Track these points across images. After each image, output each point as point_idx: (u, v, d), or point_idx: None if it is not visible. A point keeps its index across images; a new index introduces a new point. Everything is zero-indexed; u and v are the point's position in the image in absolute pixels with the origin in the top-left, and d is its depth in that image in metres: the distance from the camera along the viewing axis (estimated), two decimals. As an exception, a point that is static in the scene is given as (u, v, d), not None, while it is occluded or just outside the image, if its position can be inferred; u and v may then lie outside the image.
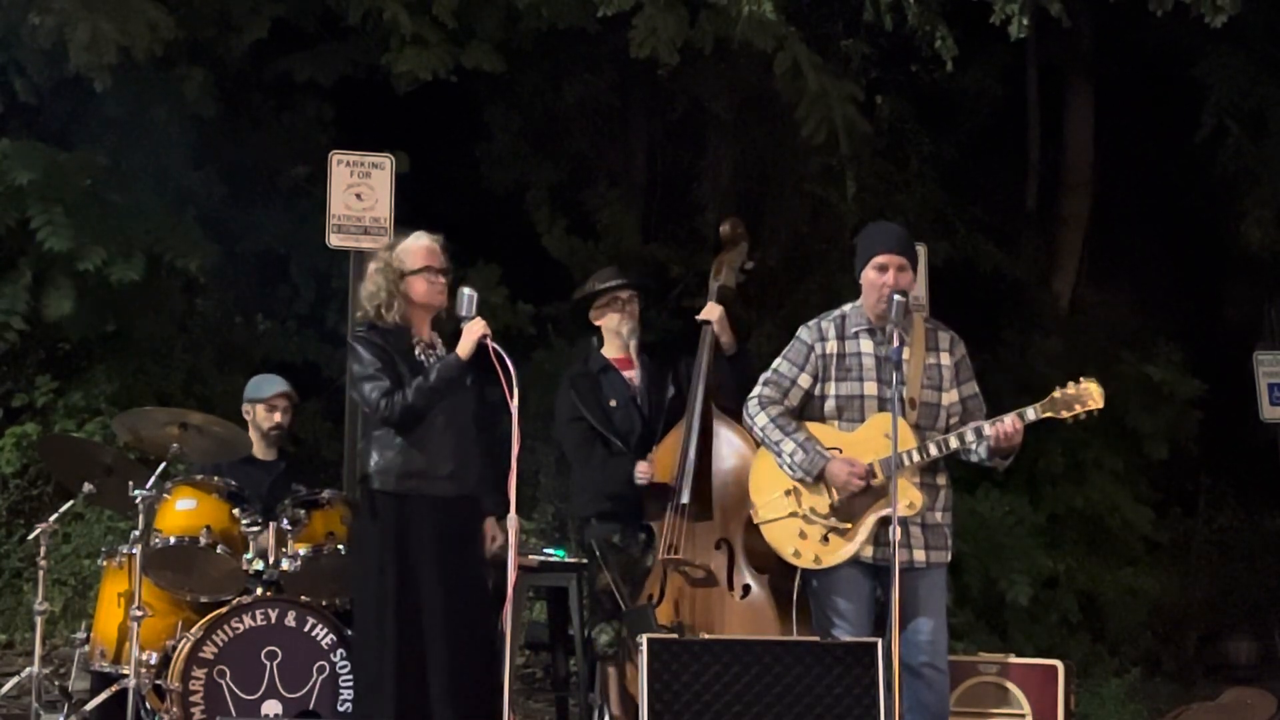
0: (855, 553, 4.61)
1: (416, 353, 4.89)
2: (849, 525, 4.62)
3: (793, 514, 4.70)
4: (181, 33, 7.89)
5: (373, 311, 4.93)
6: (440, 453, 4.81)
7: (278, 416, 5.98)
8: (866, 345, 4.75)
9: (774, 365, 4.86)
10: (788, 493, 4.72)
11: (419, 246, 4.96)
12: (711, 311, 5.38)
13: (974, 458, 4.69)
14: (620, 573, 5.22)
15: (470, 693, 4.69)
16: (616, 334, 5.63)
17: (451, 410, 4.83)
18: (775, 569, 4.92)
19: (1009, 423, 4.54)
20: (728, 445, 5.21)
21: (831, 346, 4.77)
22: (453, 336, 4.86)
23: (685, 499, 5.16)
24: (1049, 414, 4.54)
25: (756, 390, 4.84)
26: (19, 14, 7.34)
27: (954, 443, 4.61)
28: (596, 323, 5.68)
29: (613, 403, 5.52)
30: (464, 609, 4.77)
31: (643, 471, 5.31)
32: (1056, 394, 4.54)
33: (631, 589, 5.23)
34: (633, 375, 5.59)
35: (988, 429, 4.56)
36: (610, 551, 5.30)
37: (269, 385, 6.05)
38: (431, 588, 4.73)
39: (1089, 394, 4.51)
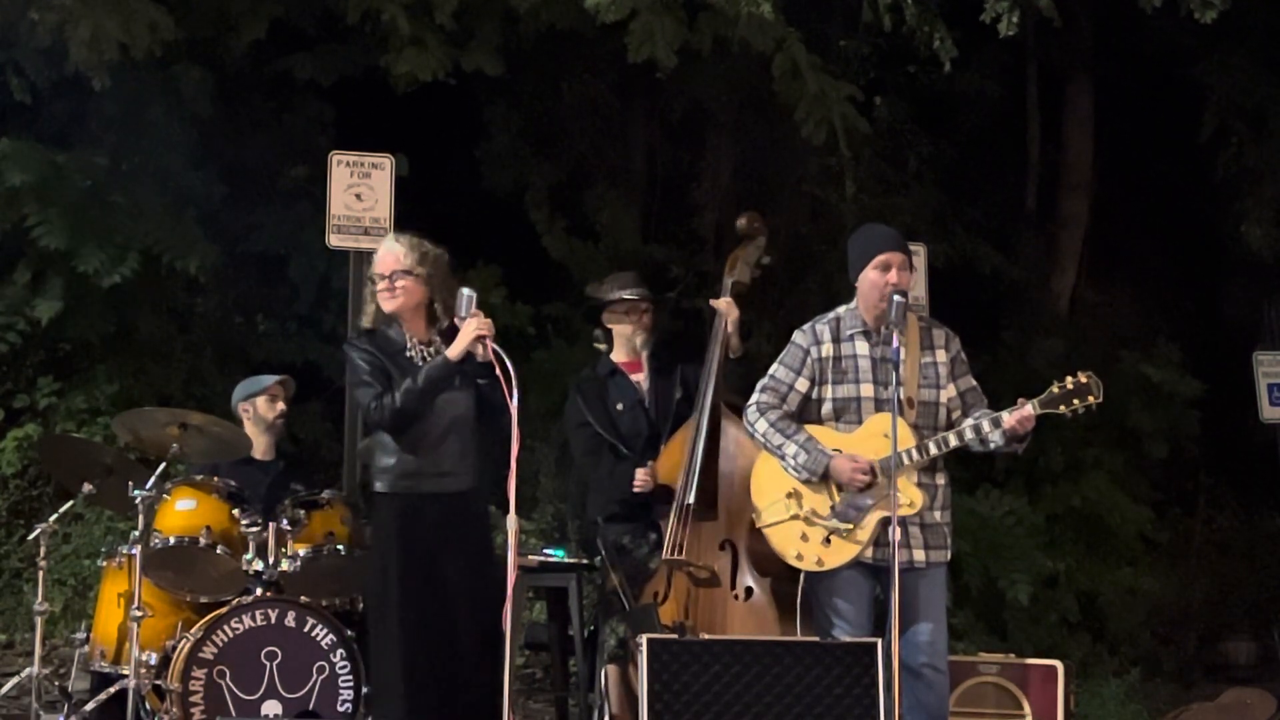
0: (857, 554, 4.62)
1: (409, 353, 4.85)
2: (850, 527, 4.62)
3: (794, 516, 4.70)
4: (181, 32, 7.89)
5: (365, 318, 4.99)
6: (441, 450, 4.78)
7: (280, 405, 6.00)
8: (862, 347, 4.76)
9: (770, 371, 4.86)
10: (789, 495, 4.72)
11: (380, 253, 4.96)
12: (730, 309, 5.35)
13: (991, 446, 4.68)
14: (628, 574, 5.21)
15: (476, 689, 4.68)
16: (628, 341, 5.64)
17: (449, 407, 4.81)
18: (778, 572, 4.91)
19: (1028, 410, 4.52)
20: (735, 445, 5.17)
21: (827, 349, 4.77)
22: (450, 335, 4.85)
23: (690, 499, 5.15)
24: (1049, 410, 4.54)
25: (754, 397, 4.85)
26: (17, 12, 7.33)
27: (954, 440, 4.61)
28: (609, 325, 5.68)
29: (619, 407, 5.54)
30: (473, 603, 4.73)
31: (641, 480, 5.33)
32: (1055, 389, 4.54)
33: (636, 590, 5.21)
34: (640, 379, 5.61)
35: (1006, 418, 4.55)
36: (619, 554, 5.28)
37: (262, 379, 6.06)
38: (442, 584, 4.70)
39: (1088, 389, 4.51)
